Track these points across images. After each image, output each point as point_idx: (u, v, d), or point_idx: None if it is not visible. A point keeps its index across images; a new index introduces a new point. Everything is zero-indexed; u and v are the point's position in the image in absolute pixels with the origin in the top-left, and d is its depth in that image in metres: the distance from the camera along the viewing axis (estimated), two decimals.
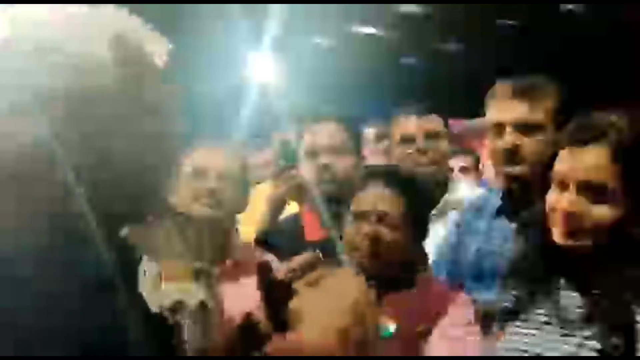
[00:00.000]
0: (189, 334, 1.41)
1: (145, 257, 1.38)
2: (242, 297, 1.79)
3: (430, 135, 2.24)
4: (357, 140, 2.19)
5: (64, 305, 0.69)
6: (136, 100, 0.82)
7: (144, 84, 0.83)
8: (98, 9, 0.85)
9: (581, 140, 1.25)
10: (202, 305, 1.45)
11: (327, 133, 2.11)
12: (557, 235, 1.26)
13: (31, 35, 0.79)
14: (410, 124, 2.27)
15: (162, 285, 1.43)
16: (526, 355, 1.28)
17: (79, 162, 0.78)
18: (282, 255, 1.94)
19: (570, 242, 1.25)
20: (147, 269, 1.39)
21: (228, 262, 1.88)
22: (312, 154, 2.10)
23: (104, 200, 0.80)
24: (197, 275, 1.48)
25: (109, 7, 0.86)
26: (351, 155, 2.10)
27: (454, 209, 2.20)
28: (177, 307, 1.42)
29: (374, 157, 2.76)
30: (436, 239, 2.04)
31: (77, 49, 0.79)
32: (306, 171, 2.13)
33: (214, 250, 1.82)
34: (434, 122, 2.27)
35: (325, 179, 2.06)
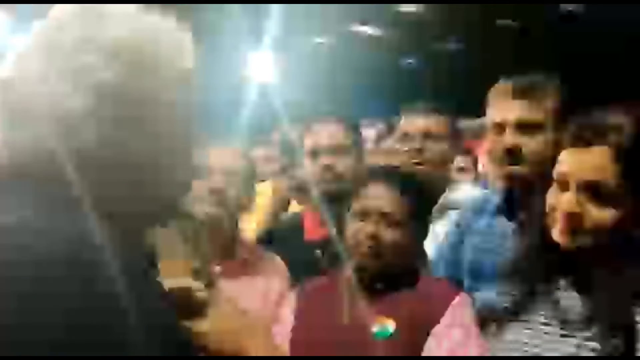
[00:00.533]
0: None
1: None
2: (246, 296, 1.80)
3: (429, 136, 2.23)
4: (358, 139, 2.19)
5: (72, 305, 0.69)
6: (154, 99, 0.83)
7: (166, 84, 0.84)
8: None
9: (582, 140, 1.24)
10: (201, 302, 1.46)
11: (328, 133, 2.12)
12: (557, 235, 1.26)
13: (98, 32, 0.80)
14: (410, 122, 2.27)
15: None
16: (526, 353, 1.29)
17: (99, 161, 0.78)
18: (284, 254, 1.95)
19: (570, 242, 1.24)
20: None
21: (235, 260, 1.89)
22: (314, 154, 2.10)
23: (125, 201, 0.81)
24: (196, 274, 1.49)
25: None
26: (352, 155, 2.10)
27: (453, 208, 2.20)
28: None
29: (374, 157, 2.77)
30: (436, 238, 2.04)
31: (145, 50, 0.81)
32: (308, 171, 2.13)
33: (217, 249, 1.82)
34: (435, 123, 2.26)
35: (327, 179, 2.06)
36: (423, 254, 1.84)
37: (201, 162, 0.96)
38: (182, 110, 0.86)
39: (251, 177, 1.95)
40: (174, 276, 1.46)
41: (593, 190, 1.22)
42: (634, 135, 1.22)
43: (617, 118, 1.24)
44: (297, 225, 2.14)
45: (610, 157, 1.21)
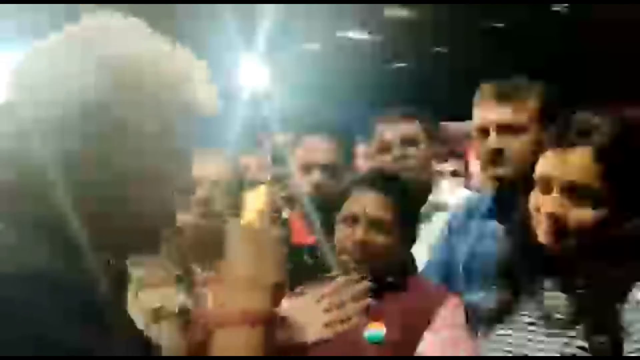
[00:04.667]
0: (167, 340, 1.40)
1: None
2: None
3: (407, 141, 2.23)
4: (349, 153, 2.20)
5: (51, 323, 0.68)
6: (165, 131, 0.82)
7: (178, 120, 0.84)
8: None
9: (564, 141, 1.26)
10: (183, 310, 1.45)
11: (320, 150, 2.12)
12: (542, 236, 1.27)
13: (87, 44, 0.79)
14: (386, 132, 2.27)
15: (143, 292, 1.43)
16: (511, 355, 1.30)
17: (84, 176, 0.77)
18: None
19: (554, 243, 1.25)
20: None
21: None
22: (306, 169, 2.12)
23: (111, 219, 0.80)
24: (179, 281, 1.48)
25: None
26: (343, 170, 2.12)
27: (440, 211, 2.21)
28: (157, 314, 1.41)
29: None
30: (424, 241, 2.05)
31: (144, 69, 0.79)
32: (299, 183, 2.14)
33: (203, 259, 1.82)
34: (411, 127, 2.25)
35: (317, 195, 2.07)
36: (411, 257, 1.84)
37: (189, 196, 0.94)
38: (178, 143, 0.84)
39: (238, 187, 1.95)
40: (157, 285, 1.46)
41: (576, 191, 1.23)
42: (615, 135, 1.23)
43: (598, 119, 1.25)
44: (285, 230, 2.15)
45: (592, 158, 1.22)
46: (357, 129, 2.54)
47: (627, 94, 1.71)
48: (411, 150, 2.22)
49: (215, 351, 0.86)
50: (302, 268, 1.94)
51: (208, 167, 1.90)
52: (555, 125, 1.32)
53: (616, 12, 5.33)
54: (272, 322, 0.89)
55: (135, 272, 1.43)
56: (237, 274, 0.92)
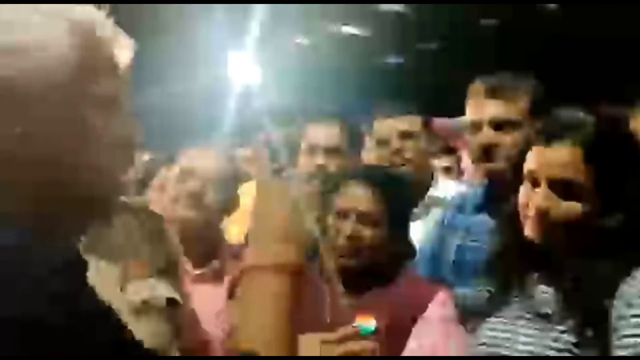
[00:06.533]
0: (155, 333, 1.39)
1: (96, 262, 1.34)
2: (221, 298, 1.80)
3: (405, 136, 2.25)
4: (356, 141, 2.21)
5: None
6: (86, 91, 0.79)
7: (99, 77, 0.80)
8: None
9: (550, 137, 1.27)
10: (172, 302, 1.44)
11: (326, 134, 2.15)
12: (530, 230, 1.28)
13: None
14: (384, 126, 2.29)
15: (128, 285, 1.41)
16: (506, 348, 1.30)
17: (20, 154, 0.74)
18: None
19: (542, 238, 1.27)
20: (104, 272, 1.37)
21: (215, 261, 1.88)
22: (310, 151, 2.13)
23: (44, 198, 0.76)
24: (160, 274, 1.47)
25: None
26: (346, 156, 2.13)
27: (437, 206, 2.22)
28: (144, 307, 1.40)
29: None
30: (419, 235, 2.06)
31: (31, 33, 0.76)
32: (303, 167, 2.16)
33: (193, 252, 1.81)
34: (409, 122, 2.28)
35: (318, 178, 2.08)
36: (409, 246, 1.84)
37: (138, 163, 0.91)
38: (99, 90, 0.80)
39: (232, 180, 1.94)
40: (137, 276, 1.44)
41: (563, 186, 1.24)
42: (599, 130, 1.25)
43: (583, 114, 1.27)
44: None
45: (579, 153, 1.23)
46: (348, 114, 2.55)
47: (612, 93, 1.73)
48: (409, 144, 2.24)
49: (248, 297, 0.88)
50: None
51: (200, 160, 1.89)
52: (540, 122, 1.33)
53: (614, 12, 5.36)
54: (302, 273, 0.92)
55: (112, 270, 1.42)
56: (271, 227, 0.92)
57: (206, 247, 1.88)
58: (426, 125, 2.33)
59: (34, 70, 0.75)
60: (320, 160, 2.11)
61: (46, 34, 0.77)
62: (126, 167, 0.86)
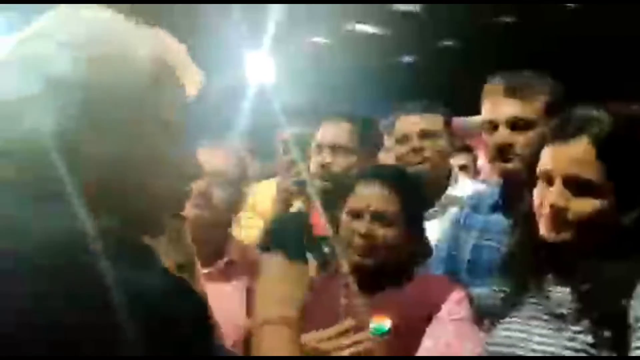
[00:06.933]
0: None
1: None
2: (226, 298, 1.81)
3: (426, 134, 2.26)
4: (371, 141, 2.20)
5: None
6: (157, 110, 0.82)
7: (169, 99, 0.84)
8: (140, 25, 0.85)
9: (563, 134, 1.26)
10: None
11: (333, 132, 2.14)
12: (545, 229, 1.27)
13: (66, 28, 0.80)
14: (405, 123, 2.30)
15: None
16: (520, 349, 1.30)
17: (86, 155, 0.77)
18: (288, 254, 1.96)
19: (557, 236, 1.26)
20: None
21: (220, 261, 1.89)
22: (318, 149, 2.13)
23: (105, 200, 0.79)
24: (181, 269, 1.48)
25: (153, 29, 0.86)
26: (354, 155, 2.12)
27: (454, 205, 2.21)
28: None
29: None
30: (436, 235, 2.05)
31: (112, 50, 0.80)
32: (313, 165, 2.16)
33: (202, 250, 1.82)
34: (430, 121, 2.29)
35: (322, 176, 2.08)
36: (426, 245, 1.84)
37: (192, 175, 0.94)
38: (162, 115, 0.84)
39: (241, 179, 1.94)
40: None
41: (577, 184, 1.23)
42: (613, 127, 1.24)
43: (597, 112, 1.26)
44: (301, 222, 2.15)
45: (593, 151, 1.22)
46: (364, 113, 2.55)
47: (626, 91, 1.71)
48: (429, 143, 2.24)
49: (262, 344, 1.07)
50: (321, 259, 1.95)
51: (211, 161, 1.90)
52: (556, 119, 1.32)
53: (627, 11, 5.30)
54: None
55: None
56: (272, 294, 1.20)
57: (214, 247, 1.89)
58: (448, 124, 2.33)
59: (115, 78, 0.79)
60: (326, 158, 2.10)
61: (131, 45, 0.81)
62: (180, 196, 0.90)
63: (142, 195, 0.83)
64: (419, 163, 2.23)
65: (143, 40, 0.83)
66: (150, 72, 0.82)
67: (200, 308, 0.79)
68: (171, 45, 0.87)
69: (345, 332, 1.38)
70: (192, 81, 0.89)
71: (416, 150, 2.24)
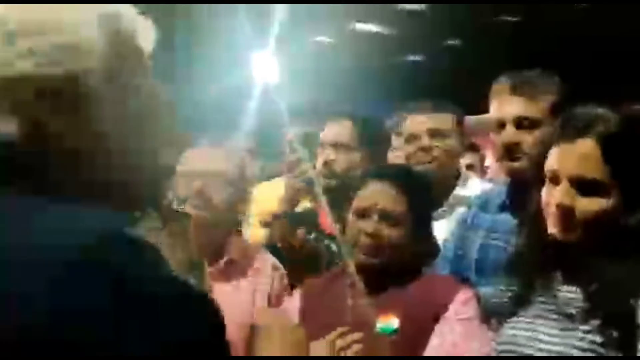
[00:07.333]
0: None
1: None
2: (230, 296, 1.81)
3: (435, 133, 2.24)
4: (377, 140, 2.19)
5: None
6: (119, 82, 0.80)
7: (128, 66, 0.82)
8: None
9: (569, 134, 1.25)
10: None
11: (335, 131, 2.15)
12: (552, 229, 1.27)
13: (13, 16, 0.77)
14: (414, 122, 2.29)
15: None
16: (528, 347, 1.29)
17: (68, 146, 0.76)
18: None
19: (565, 235, 1.25)
20: None
21: (221, 261, 1.88)
22: (322, 147, 2.14)
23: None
24: (192, 268, 1.49)
25: None
26: (357, 153, 2.12)
27: (461, 205, 2.20)
28: None
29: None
30: (443, 234, 2.04)
31: (64, 33, 0.77)
32: (318, 164, 2.17)
33: (202, 249, 1.82)
34: (439, 120, 2.27)
35: (325, 174, 2.09)
36: (433, 245, 1.84)
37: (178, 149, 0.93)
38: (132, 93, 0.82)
39: (241, 180, 1.94)
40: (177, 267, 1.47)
41: (584, 183, 1.23)
42: (618, 126, 1.23)
43: (603, 112, 1.25)
44: (313, 221, 2.15)
45: (598, 150, 1.22)
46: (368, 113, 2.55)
47: (632, 90, 1.70)
48: (438, 142, 2.23)
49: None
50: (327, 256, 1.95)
51: (211, 160, 1.89)
52: (559, 119, 1.32)
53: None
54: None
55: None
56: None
57: (214, 247, 1.89)
58: (460, 124, 2.31)
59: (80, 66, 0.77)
60: (329, 156, 2.10)
61: (82, 32, 0.79)
62: (171, 132, 0.88)
63: (125, 165, 0.81)
64: (428, 162, 2.22)
65: (92, 23, 0.80)
66: (104, 37, 0.79)
67: (212, 311, 0.77)
68: (120, 11, 0.84)
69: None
70: (149, 40, 0.87)
71: (425, 149, 2.22)
